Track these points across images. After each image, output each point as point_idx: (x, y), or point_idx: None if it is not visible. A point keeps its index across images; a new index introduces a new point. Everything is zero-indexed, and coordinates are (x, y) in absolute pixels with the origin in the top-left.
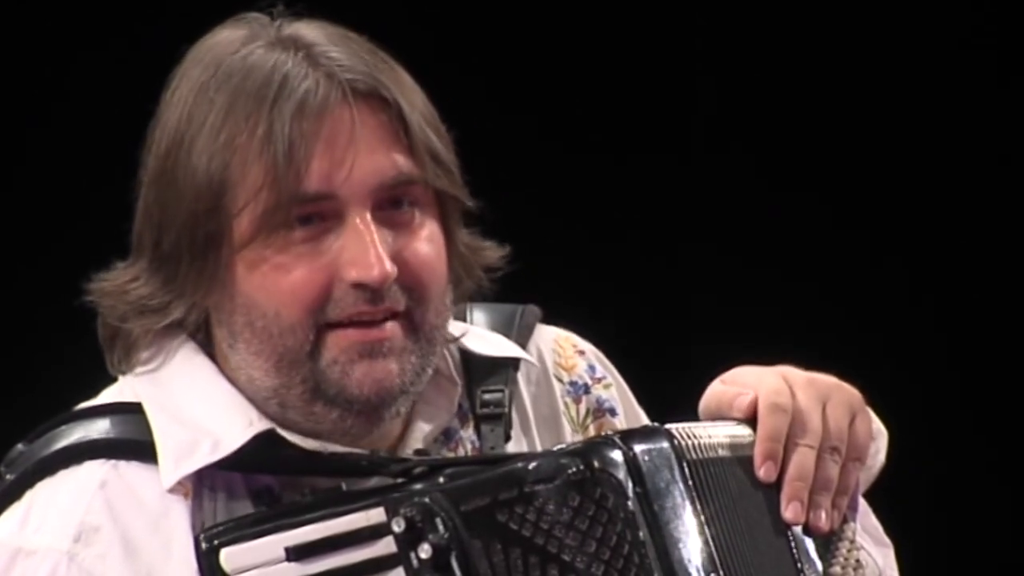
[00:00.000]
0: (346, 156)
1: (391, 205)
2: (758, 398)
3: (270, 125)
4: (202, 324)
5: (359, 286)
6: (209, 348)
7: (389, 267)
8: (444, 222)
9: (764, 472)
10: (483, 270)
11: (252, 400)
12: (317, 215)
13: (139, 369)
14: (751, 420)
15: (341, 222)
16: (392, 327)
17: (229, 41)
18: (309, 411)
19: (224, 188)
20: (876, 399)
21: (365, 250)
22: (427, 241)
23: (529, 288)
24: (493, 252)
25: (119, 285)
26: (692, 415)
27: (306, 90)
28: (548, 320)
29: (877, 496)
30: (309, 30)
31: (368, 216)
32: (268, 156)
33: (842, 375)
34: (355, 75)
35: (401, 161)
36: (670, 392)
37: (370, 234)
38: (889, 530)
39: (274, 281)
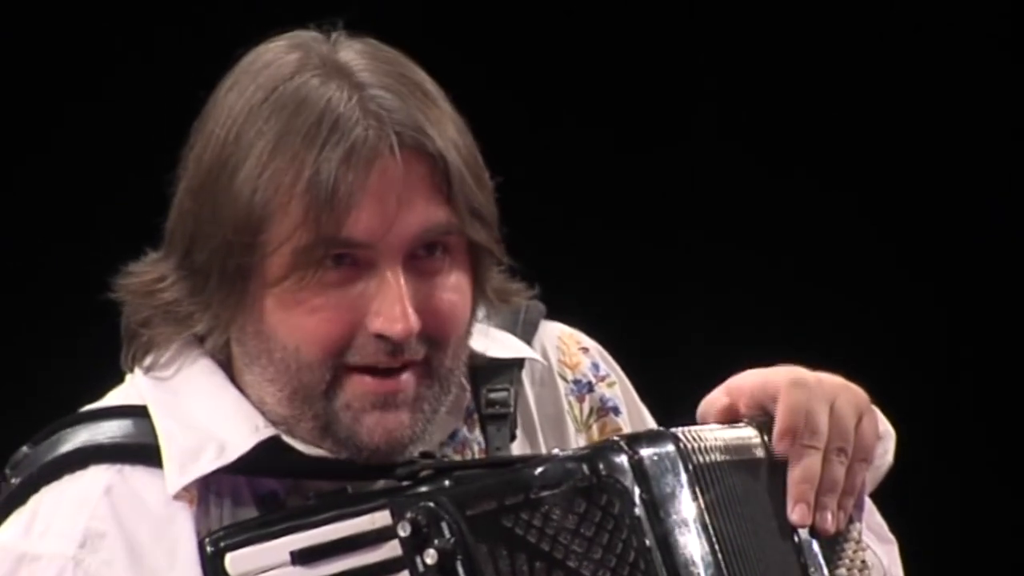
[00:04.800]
0: (388, 210)
1: (423, 252)
2: (779, 386)
3: (317, 169)
4: (221, 336)
5: (381, 337)
6: (223, 357)
7: (414, 323)
8: (474, 268)
9: (782, 447)
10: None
11: (261, 413)
12: (350, 257)
13: (152, 373)
14: (757, 421)
15: (372, 269)
16: (407, 378)
17: (283, 63)
18: (319, 446)
19: (263, 225)
20: (883, 399)
21: (393, 304)
22: (453, 290)
23: (533, 284)
24: (522, 295)
25: (146, 283)
26: (695, 413)
27: (356, 137)
28: (552, 317)
29: (884, 495)
30: (361, 59)
31: (399, 269)
32: (311, 198)
33: (849, 375)
34: (403, 126)
35: (440, 214)
36: (674, 390)
37: (399, 288)
38: (895, 528)
39: (299, 319)
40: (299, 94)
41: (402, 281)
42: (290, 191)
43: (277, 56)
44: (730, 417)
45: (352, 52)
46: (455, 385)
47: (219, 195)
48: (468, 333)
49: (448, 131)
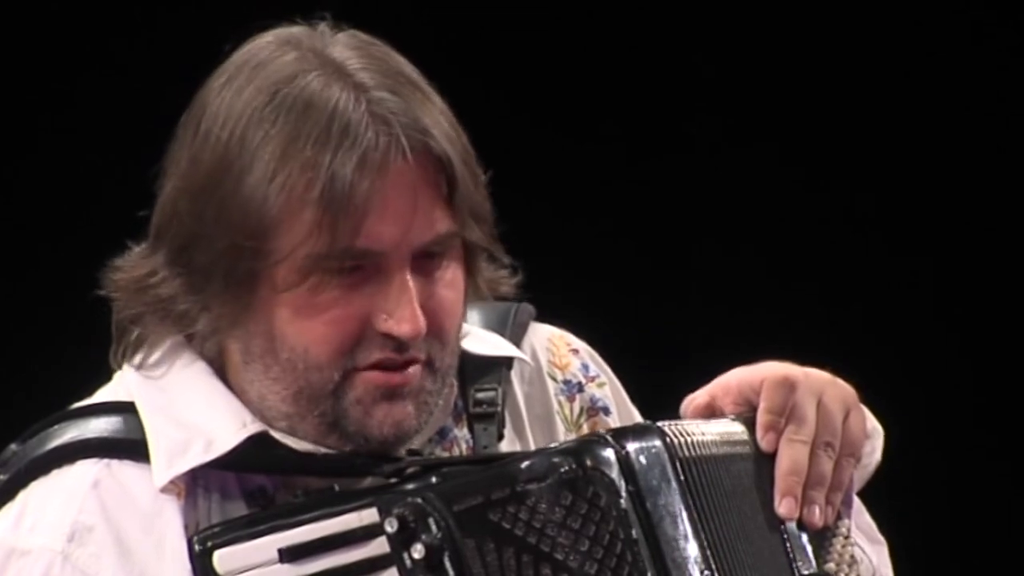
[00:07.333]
0: (403, 219)
1: (425, 254)
2: (764, 378)
3: (331, 175)
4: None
5: (389, 336)
6: (212, 354)
7: (422, 323)
8: (469, 263)
9: (766, 443)
10: (496, 298)
11: (258, 412)
12: (360, 265)
13: (141, 371)
14: (744, 417)
15: (380, 272)
16: (414, 371)
17: (280, 63)
18: (323, 441)
19: (274, 231)
20: (873, 398)
21: (402, 305)
22: (450, 287)
23: (523, 285)
24: (509, 283)
25: (136, 279)
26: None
27: (368, 143)
28: (542, 318)
29: (872, 495)
30: (355, 57)
31: (408, 272)
32: (325, 205)
33: (838, 373)
34: (410, 129)
35: (446, 220)
36: (664, 391)
37: (409, 291)
38: (884, 529)
39: (309, 323)
40: (303, 97)
41: (411, 284)
42: (303, 197)
43: (272, 56)
44: (708, 415)
45: (344, 48)
46: (451, 379)
47: (225, 199)
48: (461, 326)
49: (446, 128)
